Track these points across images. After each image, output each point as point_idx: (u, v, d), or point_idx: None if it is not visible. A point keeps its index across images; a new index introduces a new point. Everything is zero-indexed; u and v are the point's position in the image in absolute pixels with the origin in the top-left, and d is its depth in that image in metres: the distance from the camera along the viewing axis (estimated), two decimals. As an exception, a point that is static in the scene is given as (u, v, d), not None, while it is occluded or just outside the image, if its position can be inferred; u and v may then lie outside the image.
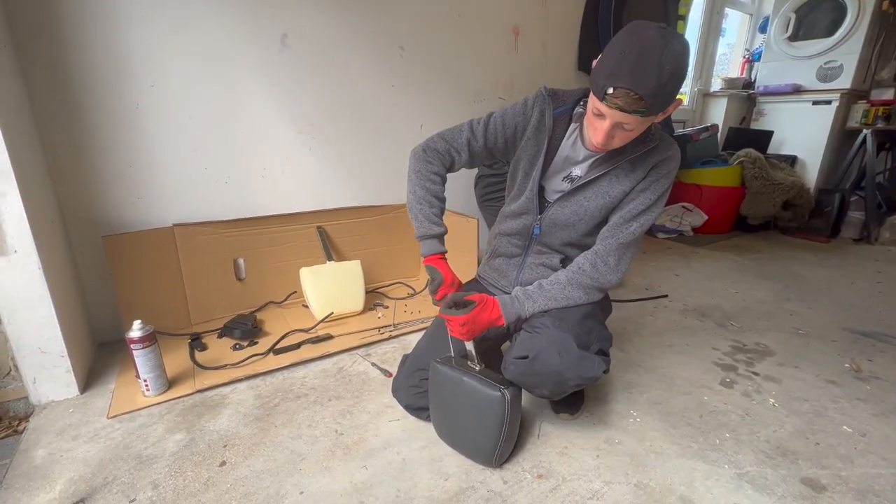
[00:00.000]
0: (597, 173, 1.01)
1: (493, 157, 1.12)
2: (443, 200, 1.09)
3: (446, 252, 1.08)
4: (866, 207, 3.04)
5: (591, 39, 2.42)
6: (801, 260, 2.62)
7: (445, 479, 0.97)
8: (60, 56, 1.32)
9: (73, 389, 1.25)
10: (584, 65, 2.48)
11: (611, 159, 1.01)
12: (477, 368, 1.01)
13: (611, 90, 0.81)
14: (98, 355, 1.48)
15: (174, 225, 1.55)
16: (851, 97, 3.13)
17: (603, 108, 0.85)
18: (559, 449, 1.07)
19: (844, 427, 1.16)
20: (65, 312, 1.24)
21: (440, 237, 1.07)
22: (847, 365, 1.46)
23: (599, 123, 0.90)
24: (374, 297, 1.90)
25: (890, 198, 3.15)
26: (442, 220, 1.08)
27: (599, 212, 1.05)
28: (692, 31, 3.25)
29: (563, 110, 1.03)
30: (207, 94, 1.55)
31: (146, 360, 1.19)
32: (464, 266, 1.53)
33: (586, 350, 0.95)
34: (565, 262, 1.13)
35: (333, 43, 1.73)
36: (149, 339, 1.19)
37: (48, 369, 1.20)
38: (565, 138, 1.05)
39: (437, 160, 1.07)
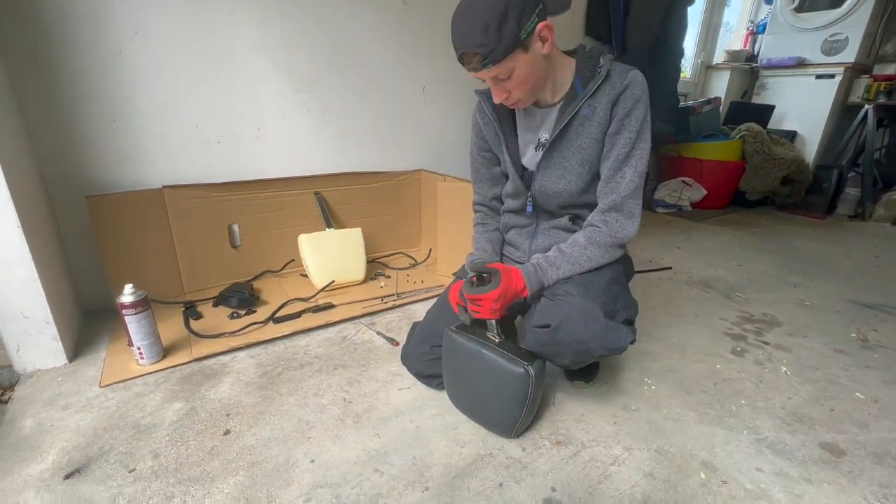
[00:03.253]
0: (559, 128, 0.97)
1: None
2: (491, 231, 1.20)
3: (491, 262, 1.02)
4: (863, 184, 3.05)
5: (600, 2, 2.31)
6: (800, 235, 2.63)
7: (462, 447, 0.94)
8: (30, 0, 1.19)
9: (61, 358, 1.18)
10: (591, 29, 2.38)
11: (566, 109, 0.96)
12: (497, 340, 0.95)
13: (460, 59, 0.87)
14: (86, 324, 1.40)
15: (164, 187, 1.45)
16: (855, 72, 3.09)
17: (471, 73, 0.89)
18: (576, 416, 1.04)
19: (857, 394, 1.15)
20: (48, 276, 1.15)
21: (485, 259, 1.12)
22: (853, 334, 1.46)
23: (492, 87, 0.93)
24: (374, 267, 1.84)
25: (886, 174, 3.16)
26: (493, 251, 1.16)
27: (582, 166, 0.99)
28: (699, 1, 3.14)
29: None
30: (197, 43, 1.43)
31: (140, 326, 1.12)
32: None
33: (612, 319, 0.90)
34: (575, 220, 1.08)
35: (332, -7, 1.61)
36: (142, 305, 1.11)
37: (33, 336, 1.13)
38: (517, 114, 1.07)
39: (478, 211, 1.23)
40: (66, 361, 1.19)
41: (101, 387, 1.10)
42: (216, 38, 1.46)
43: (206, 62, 1.46)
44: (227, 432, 0.96)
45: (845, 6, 2.97)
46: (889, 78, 3.04)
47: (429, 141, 2.04)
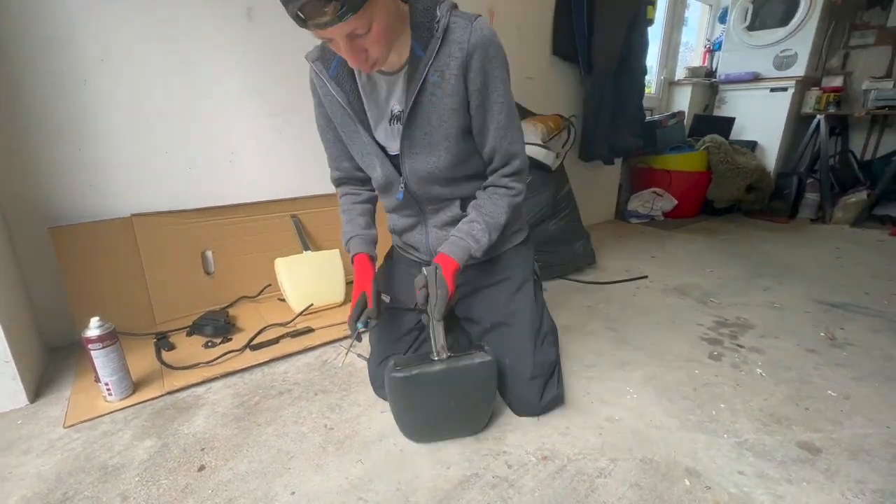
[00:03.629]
0: (410, 100, 0.86)
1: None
2: (362, 203, 1.12)
3: (372, 257, 1.07)
4: (821, 189, 3.21)
5: (565, 24, 2.40)
6: (766, 239, 2.73)
7: (447, 468, 0.92)
8: (-9, 24, 1.16)
9: (21, 399, 1.11)
10: (558, 49, 2.47)
11: (412, 77, 0.85)
12: (446, 355, 0.92)
13: (299, 13, 0.67)
14: (49, 361, 1.33)
15: (133, 215, 1.42)
16: (805, 84, 3.29)
17: (315, 33, 0.73)
18: (560, 430, 1.04)
19: (829, 392, 1.19)
20: (7, 313, 1.10)
21: (358, 236, 1.06)
22: (822, 334, 1.51)
23: (337, 48, 0.77)
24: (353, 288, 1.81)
25: (841, 179, 3.33)
26: (365, 217, 1.10)
27: (448, 140, 0.91)
28: (658, 21, 3.31)
29: (337, 61, 0.91)
30: (166, 70, 1.42)
31: (107, 360, 1.07)
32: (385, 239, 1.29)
33: (545, 386, 1.04)
34: (464, 202, 1.03)
35: (303, 19, 1.63)
36: (109, 338, 1.07)
37: (-10, 377, 1.06)
38: (358, 84, 0.93)
39: (338, 182, 1.14)
40: (28, 402, 1.12)
41: (65, 427, 1.04)
42: (186, 65, 1.45)
43: (175, 88, 1.45)
44: (201, 468, 0.92)
45: (792, 24, 3.17)
46: (836, 90, 3.24)
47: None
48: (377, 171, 0.99)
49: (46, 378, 1.24)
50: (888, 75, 3.21)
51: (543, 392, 1.04)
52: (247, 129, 1.62)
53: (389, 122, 0.94)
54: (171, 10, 1.39)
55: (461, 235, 0.98)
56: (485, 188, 1.02)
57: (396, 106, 0.92)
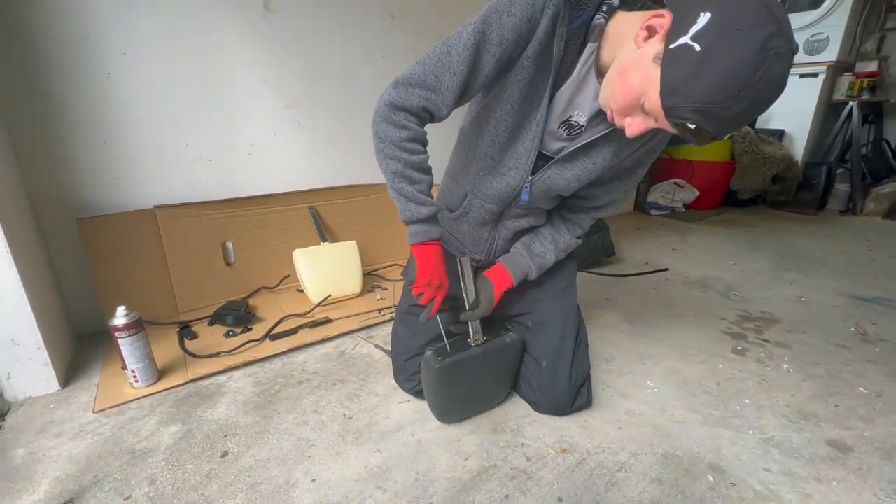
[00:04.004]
0: (607, 127, 0.77)
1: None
2: (428, 172, 0.84)
3: (440, 239, 0.87)
4: (852, 179, 3.08)
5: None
6: (793, 232, 2.64)
7: (465, 459, 0.92)
8: (16, 21, 1.19)
9: (53, 384, 1.15)
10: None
11: None
12: (482, 339, 0.99)
13: (692, 126, 0.61)
14: (79, 348, 1.37)
15: (155, 206, 1.44)
16: (837, 69, 3.15)
17: (663, 123, 0.64)
18: (579, 423, 1.03)
19: (860, 388, 1.15)
20: (39, 300, 1.13)
21: (430, 219, 0.84)
22: (853, 329, 1.46)
23: (640, 118, 0.66)
24: (370, 279, 1.83)
25: (873, 169, 3.20)
26: (430, 195, 0.85)
27: (604, 173, 0.87)
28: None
29: (581, 22, 0.71)
30: (186, 62, 1.43)
31: (133, 349, 1.10)
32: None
33: (577, 392, 1.04)
34: (549, 215, 1.06)
35: (320, 8, 1.61)
36: (135, 327, 1.10)
37: (23, 363, 1.10)
38: (578, 67, 0.75)
39: (410, 122, 0.79)
40: (59, 388, 1.16)
41: (94, 412, 1.07)
42: (205, 57, 1.46)
43: (195, 81, 1.46)
44: (224, 454, 0.94)
45: (824, 6, 3.03)
46: (871, 75, 3.09)
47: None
48: (517, 154, 0.84)
49: (76, 364, 1.28)
50: (927, 59, 3.05)
51: (575, 399, 1.03)
52: (265, 120, 1.63)
53: (561, 124, 0.82)
54: (190, 4, 1.39)
55: (528, 258, 1.01)
56: (564, 218, 1.05)
57: (582, 116, 0.80)
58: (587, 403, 1.06)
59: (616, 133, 0.78)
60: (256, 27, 1.52)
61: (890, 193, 2.96)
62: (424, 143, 0.83)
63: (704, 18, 0.56)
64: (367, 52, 1.79)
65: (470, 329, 0.98)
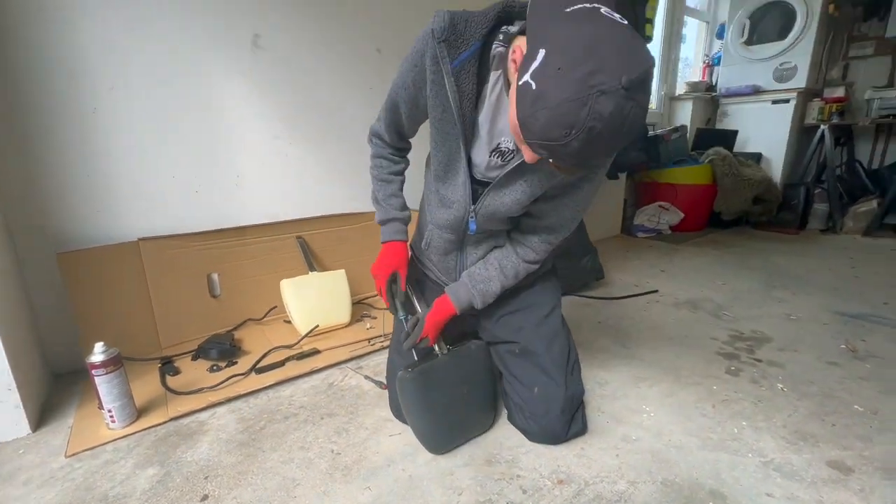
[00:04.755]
0: None
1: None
2: (397, 177, 1.06)
3: (394, 241, 1.05)
4: (829, 199, 3.17)
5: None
6: (777, 251, 2.69)
7: (459, 494, 0.88)
8: (2, 53, 1.20)
9: (24, 427, 1.09)
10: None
11: None
12: (446, 350, 1.04)
13: (550, 160, 0.66)
14: (54, 388, 1.32)
15: (139, 239, 1.42)
16: (807, 95, 3.30)
17: (524, 146, 0.69)
18: (576, 451, 1.00)
19: (856, 406, 1.14)
20: (12, 339, 1.09)
21: (383, 222, 1.05)
22: (843, 346, 1.47)
23: (526, 146, 0.69)
24: (360, 308, 1.80)
25: (849, 189, 3.30)
26: (402, 202, 1.06)
27: (541, 190, 0.87)
28: (656, 38, 3.35)
29: (465, 57, 0.74)
30: (174, 96, 1.45)
31: (111, 387, 1.06)
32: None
33: (574, 416, 1.02)
34: (510, 235, 1.04)
35: (308, 44, 1.66)
36: (113, 363, 1.05)
37: (-8, 405, 1.05)
38: (485, 95, 0.79)
39: (378, 143, 1.03)
40: (30, 431, 1.10)
41: (66, 456, 1.01)
42: (194, 91, 1.48)
43: (183, 114, 1.47)
44: (204, 497, 0.89)
45: (790, 37, 3.20)
46: (839, 100, 3.25)
47: (407, 179, 2.06)
48: (451, 183, 0.90)
49: (50, 405, 1.22)
50: (890, 84, 3.21)
51: (570, 425, 1.00)
52: (252, 151, 1.64)
53: (492, 152, 0.85)
54: (179, 40, 1.42)
55: (470, 285, 1.00)
56: (513, 241, 1.01)
57: (509, 141, 0.83)
58: (582, 430, 1.03)
59: None
60: (245, 62, 1.55)
61: (867, 212, 3.04)
62: (391, 159, 1.04)
63: (540, 56, 0.57)
64: (355, 85, 1.83)
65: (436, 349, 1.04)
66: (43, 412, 1.19)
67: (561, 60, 0.55)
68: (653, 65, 0.58)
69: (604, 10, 0.57)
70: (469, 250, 1.03)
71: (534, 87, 0.57)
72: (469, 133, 0.82)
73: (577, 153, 0.59)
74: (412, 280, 1.09)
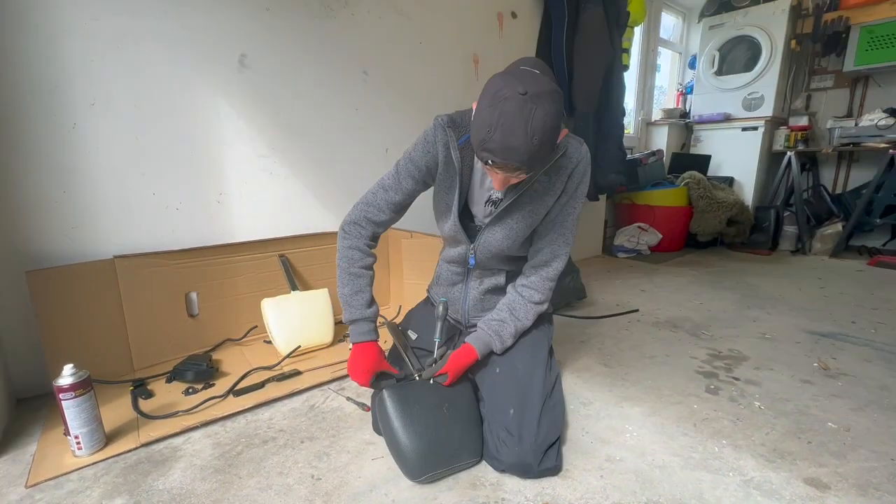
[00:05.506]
0: (516, 194, 1.01)
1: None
2: (367, 271, 1.10)
3: (377, 339, 1.10)
4: (798, 222, 3.31)
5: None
6: (751, 272, 2.78)
7: (443, 519, 0.86)
8: (-18, 70, 1.17)
9: (-19, 456, 1.03)
10: (540, 93, 2.57)
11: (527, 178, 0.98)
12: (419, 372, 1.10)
13: (489, 162, 0.84)
14: (16, 414, 1.25)
15: (115, 257, 1.38)
16: (774, 123, 3.48)
17: (488, 169, 0.89)
18: (560, 473, 0.99)
19: (829, 423, 1.17)
20: (-26, 361, 1.03)
21: (351, 322, 1.08)
22: (815, 364, 1.51)
23: (493, 174, 0.90)
24: (343, 328, 1.77)
25: (816, 212, 3.46)
26: (370, 298, 1.09)
27: (529, 230, 1.08)
28: (633, 67, 3.50)
29: (465, 139, 1.03)
30: (157, 114, 1.43)
31: (79, 411, 1.01)
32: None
33: (545, 453, 0.97)
34: (509, 275, 1.18)
35: (295, 65, 1.68)
36: (82, 387, 1.01)
37: (-52, 433, 0.99)
38: (476, 165, 1.06)
39: (355, 232, 1.09)
40: (-12, 460, 1.04)
41: (27, 487, 0.96)
42: (178, 109, 1.47)
43: (166, 131, 1.46)
44: (176, 529, 0.85)
45: (756, 69, 3.38)
46: (803, 128, 3.43)
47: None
48: (448, 224, 1.10)
49: (11, 432, 1.16)
50: (849, 115, 3.41)
51: (543, 459, 0.95)
52: (236, 170, 1.63)
53: (486, 202, 1.08)
54: (165, 57, 1.42)
55: (490, 333, 1.10)
56: (517, 286, 1.14)
57: (498, 192, 1.05)
58: (555, 469, 0.97)
59: (527, 196, 1.03)
60: (231, 82, 1.56)
61: (833, 234, 3.18)
62: (364, 251, 1.10)
63: (475, 106, 0.89)
64: (341, 106, 1.85)
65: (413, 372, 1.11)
66: (3, 439, 1.12)
67: (483, 99, 0.84)
68: (556, 90, 0.81)
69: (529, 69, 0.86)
70: (472, 284, 1.19)
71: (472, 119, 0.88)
72: (464, 189, 1.07)
73: (503, 143, 0.80)
74: (395, 354, 1.21)
